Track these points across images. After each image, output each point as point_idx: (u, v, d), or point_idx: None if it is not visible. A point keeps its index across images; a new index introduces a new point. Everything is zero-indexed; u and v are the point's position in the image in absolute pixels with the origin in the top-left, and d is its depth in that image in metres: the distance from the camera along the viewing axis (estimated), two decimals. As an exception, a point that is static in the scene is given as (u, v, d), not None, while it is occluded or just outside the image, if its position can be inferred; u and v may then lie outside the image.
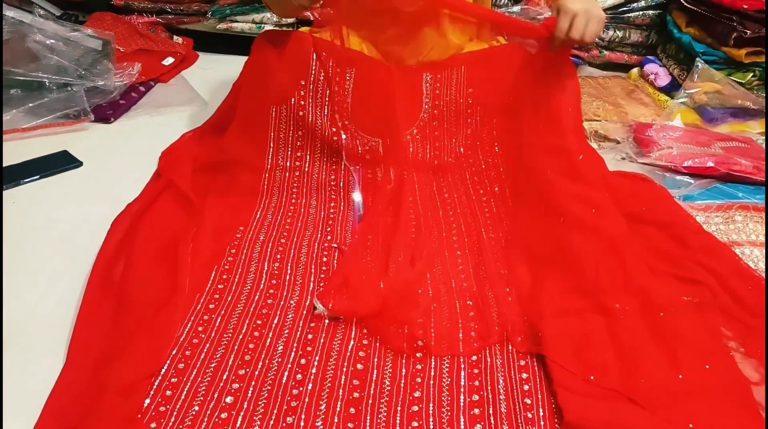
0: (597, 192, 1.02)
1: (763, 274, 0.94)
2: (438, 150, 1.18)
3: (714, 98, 1.46)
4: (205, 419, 0.71)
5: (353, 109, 1.16)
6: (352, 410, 0.73)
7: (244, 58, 1.25)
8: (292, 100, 1.13)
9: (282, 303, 0.89)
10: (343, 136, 1.16)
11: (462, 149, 1.17)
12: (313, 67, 1.14)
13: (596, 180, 1.05)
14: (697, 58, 1.49)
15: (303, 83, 1.13)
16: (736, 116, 1.46)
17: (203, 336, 0.82)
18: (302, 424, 0.71)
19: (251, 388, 0.76)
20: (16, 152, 1.22)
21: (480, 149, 1.17)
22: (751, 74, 1.51)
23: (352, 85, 1.17)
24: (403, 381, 0.77)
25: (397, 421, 0.72)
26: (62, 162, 1.22)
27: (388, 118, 1.17)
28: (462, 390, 0.77)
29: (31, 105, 1.33)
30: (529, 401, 0.76)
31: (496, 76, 1.18)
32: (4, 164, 1.18)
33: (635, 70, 1.71)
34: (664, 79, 1.60)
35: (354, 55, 1.18)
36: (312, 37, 1.14)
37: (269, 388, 0.76)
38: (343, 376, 0.77)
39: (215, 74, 1.63)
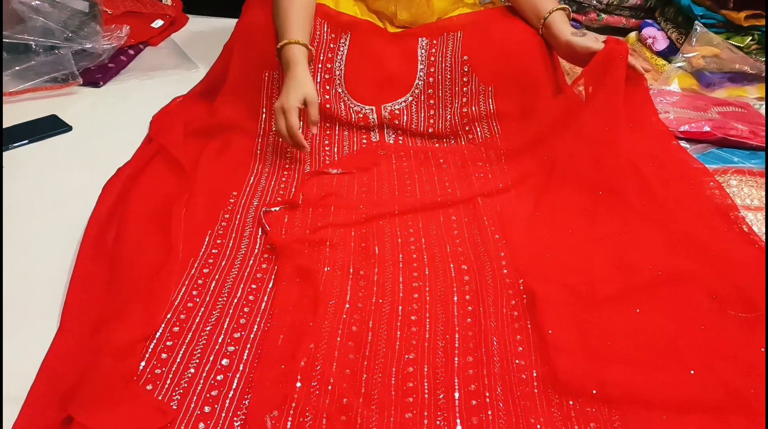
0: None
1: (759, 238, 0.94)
2: (432, 118, 1.17)
3: (712, 62, 1.44)
4: (201, 381, 0.72)
5: (347, 77, 1.14)
6: (348, 371, 0.74)
7: (236, 21, 1.23)
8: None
9: (276, 268, 0.89)
10: (337, 104, 1.14)
11: (457, 119, 1.16)
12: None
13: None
14: (696, 22, 1.47)
15: None
16: (734, 81, 1.45)
17: (198, 300, 0.82)
18: (298, 385, 0.71)
19: (247, 351, 0.76)
20: (4, 116, 1.20)
21: (476, 117, 1.16)
22: (750, 38, 1.49)
23: (346, 52, 1.15)
24: (398, 343, 0.78)
25: (392, 383, 0.73)
26: (51, 126, 1.20)
27: (381, 86, 1.16)
28: (456, 351, 0.77)
29: (18, 68, 1.30)
30: (523, 362, 0.76)
31: (493, 42, 1.16)
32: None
33: (633, 34, 1.68)
34: (662, 43, 1.58)
35: (349, 20, 1.16)
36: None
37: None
38: (339, 339, 0.78)
39: (206, 37, 1.60)
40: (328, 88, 1.14)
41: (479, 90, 1.16)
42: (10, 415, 0.67)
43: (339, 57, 1.14)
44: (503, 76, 1.15)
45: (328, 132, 1.16)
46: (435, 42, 1.17)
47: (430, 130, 1.18)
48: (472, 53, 1.16)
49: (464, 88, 1.16)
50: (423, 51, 1.17)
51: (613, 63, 1.05)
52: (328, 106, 1.14)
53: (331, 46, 1.14)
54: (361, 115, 1.15)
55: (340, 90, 1.14)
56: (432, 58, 1.17)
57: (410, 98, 1.17)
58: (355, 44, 1.15)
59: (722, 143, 1.22)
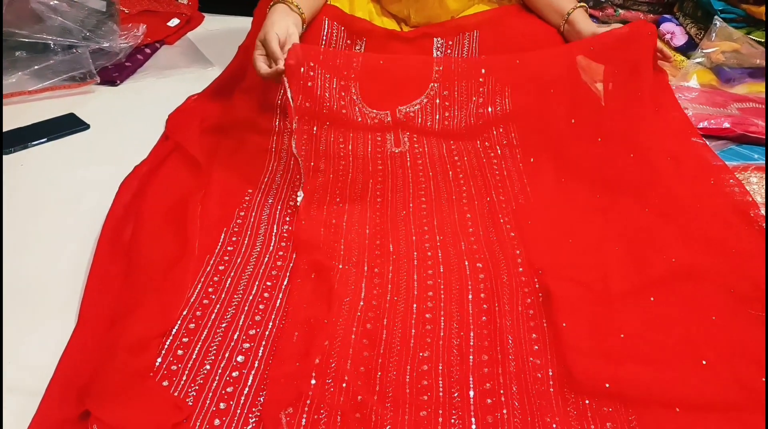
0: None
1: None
2: (448, 120, 1.16)
3: (731, 58, 1.42)
4: (217, 377, 0.72)
5: (361, 83, 1.14)
6: (362, 369, 0.74)
7: (251, 19, 1.23)
8: (302, 68, 1.11)
9: (292, 265, 0.89)
10: (351, 109, 1.14)
11: (473, 119, 1.16)
12: (324, 37, 1.11)
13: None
14: (715, 16, 1.44)
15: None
16: (754, 76, 1.42)
17: (213, 297, 0.83)
18: (313, 382, 0.72)
19: (262, 348, 0.76)
20: (23, 115, 1.22)
21: (492, 117, 1.15)
22: (772, 33, 1.46)
23: (361, 59, 1.14)
24: (412, 341, 0.78)
25: (407, 381, 0.73)
26: (69, 125, 1.22)
27: (396, 92, 1.15)
28: (471, 350, 0.77)
29: (36, 67, 1.32)
30: (538, 361, 0.76)
31: (510, 41, 1.15)
32: (11, 127, 1.18)
33: (651, 30, 1.66)
34: (680, 39, 1.56)
35: (365, 26, 1.15)
36: (324, 5, 1.11)
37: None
38: (353, 336, 0.78)
39: (221, 36, 1.61)
40: (343, 94, 1.14)
41: (495, 90, 1.14)
42: (30, 409, 0.68)
43: (354, 63, 1.13)
44: (520, 76, 1.14)
45: (342, 130, 1.16)
46: (450, 42, 1.16)
47: (445, 131, 1.17)
48: (489, 53, 1.15)
49: (480, 89, 1.15)
50: (438, 52, 1.16)
51: (636, 43, 1.04)
52: (344, 111, 1.14)
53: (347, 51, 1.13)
54: (377, 121, 1.16)
55: (355, 97, 1.14)
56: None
57: (425, 100, 1.16)
58: (371, 50, 1.14)
59: (742, 140, 1.20)
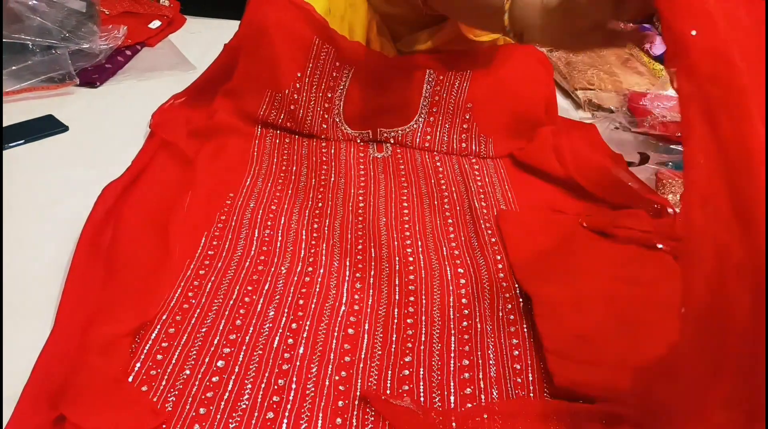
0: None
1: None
2: (429, 142, 1.18)
3: (708, 68, 1.45)
4: (197, 383, 0.71)
5: (346, 108, 1.14)
6: (344, 373, 0.74)
7: (235, 22, 1.22)
8: (287, 91, 1.11)
9: (273, 270, 0.89)
10: (334, 131, 1.15)
11: (455, 145, 1.17)
12: (311, 60, 1.11)
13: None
14: (693, 27, 1.47)
15: (299, 75, 1.11)
16: (730, 86, 1.46)
17: (193, 301, 0.82)
18: (293, 386, 0.71)
19: (242, 353, 0.76)
20: (0, 116, 1.20)
21: (474, 153, 1.17)
22: (747, 44, 1.49)
23: (348, 84, 1.14)
24: (393, 346, 0.78)
25: (388, 385, 0.73)
26: (48, 126, 1.20)
27: (381, 117, 1.15)
28: (452, 355, 0.77)
29: (14, 68, 1.29)
30: (518, 366, 0.76)
31: (499, 93, 1.15)
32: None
33: (630, 39, 1.69)
34: (659, 48, 1.59)
35: (356, 48, 1.13)
36: (314, 21, 1.10)
37: (260, 352, 0.76)
38: (334, 341, 0.78)
39: (203, 38, 1.60)
40: (326, 116, 1.14)
41: (479, 138, 1.16)
42: (4, 414, 0.66)
43: (341, 88, 1.13)
44: (505, 126, 1.16)
45: (324, 137, 1.17)
46: (441, 78, 1.15)
47: (427, 147, 1.18)
48: (476, 101, 1.15)
49: (464, 134, 1.16)
50: (428, 86, 1.16)
51: None
52: (323, 135, 1.15)
53: (334, 74, 1.13)
54: (359, 141, 1.16)
55: (338, 120, 1.14)
56: (437, 97, 1.16)
57: (407, 129, 1.17)
58: (358, 77, 1.13)
59: (718, 148, 1.22)
